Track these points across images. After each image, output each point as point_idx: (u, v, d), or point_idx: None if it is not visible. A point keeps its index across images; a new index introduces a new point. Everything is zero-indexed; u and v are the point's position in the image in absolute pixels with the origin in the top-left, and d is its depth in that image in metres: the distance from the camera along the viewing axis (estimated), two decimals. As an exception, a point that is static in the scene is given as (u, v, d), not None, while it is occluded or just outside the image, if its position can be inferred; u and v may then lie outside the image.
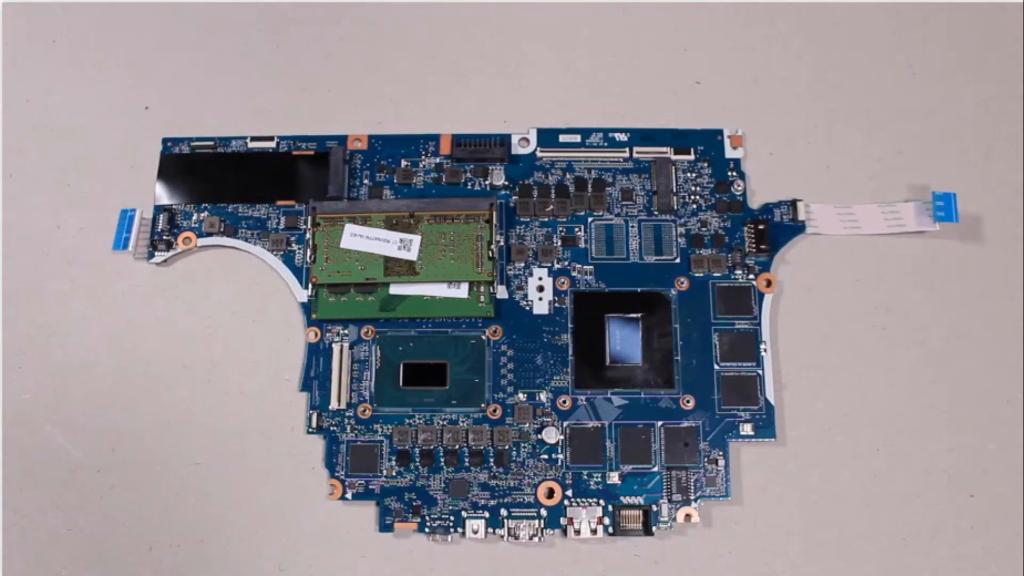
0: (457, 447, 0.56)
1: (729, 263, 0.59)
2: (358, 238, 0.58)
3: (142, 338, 0.59)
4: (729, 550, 0.55)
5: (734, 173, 0.61)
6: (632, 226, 0.60)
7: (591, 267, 0.59)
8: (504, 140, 0.61)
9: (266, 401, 0.57)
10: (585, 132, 0.62)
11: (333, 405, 0.56)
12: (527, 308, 0.58)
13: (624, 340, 0.57)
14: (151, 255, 0.60)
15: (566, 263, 0.59)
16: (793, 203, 0.60)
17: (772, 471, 0.56)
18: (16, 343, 0.59)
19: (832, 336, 0.58)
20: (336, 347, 0.57)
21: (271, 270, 0.59)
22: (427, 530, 0.55)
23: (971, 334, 0.58)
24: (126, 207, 0.59)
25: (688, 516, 0.54)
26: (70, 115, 0.64)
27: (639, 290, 0.58)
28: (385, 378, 0.57)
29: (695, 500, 0.55)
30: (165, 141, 0.62)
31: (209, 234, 0.60)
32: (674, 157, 0.61)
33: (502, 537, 0.55)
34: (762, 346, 0.57)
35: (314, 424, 0.57)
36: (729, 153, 0.61)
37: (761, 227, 0.59)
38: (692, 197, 0.60)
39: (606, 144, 0.61)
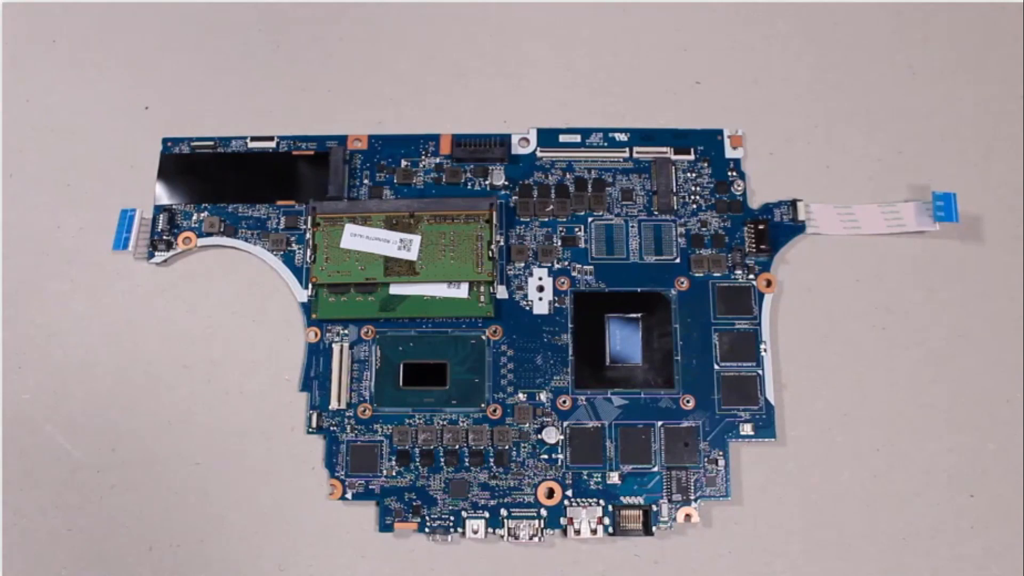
0: (457, 447, 0.56)
1: (729, 263, 0.59)
2: (358, 238, 0.58)
3: (142, 338, 0.59)
4: (729, 550, 0.55)
5: (734, 173, 0.61)
6: (632, 226, 0.60)
7: (591, 267, 0.59)
8: (504, 140, 0.61)
9: (266, 401, 0.57)
10: (585, 132, 0.62)
11: (333, 405, 0.56)
12: (527, 308, 0.58)
13: (624, 340, 0.57)
14: (151, 255, 0.60)
15: (566, 263, 0.59)
16: (793, 203, 0.60)
17: (772, 471, 0.56)
18: (16, 343, 0.59)
19: (832, 336, 0.58)
20: (336, 347, 0.57)
21: (271, 270, 0.59)
22: (427, 530, 0.55)
23: (971, 334, 0.58)
24: (126, 207, 0.59)
25: (688, 516, 0.54)
26: (70, 115, 0.64)
27: (639, 290, 0.58)
28: (385, 378, 0.57)
29: (695, 500, 0.55)
30: (165, 141, 0.62)
31: (209, 234, 0.60)
32: (674, 157, 0.61)
33: (502, 537, 0.55)
34: (762, 346, 0.57)
35: (314, 424, 0.57)
36: (729, 153, 0.61)
37: (761, 227, 0.59)
38: (692, 197, 0.60)
39: (606, 144, 0.61)
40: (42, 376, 0.58)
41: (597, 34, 0.65)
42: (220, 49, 0.65)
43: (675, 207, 0.60)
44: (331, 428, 0.56)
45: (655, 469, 0.55)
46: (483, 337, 0.58)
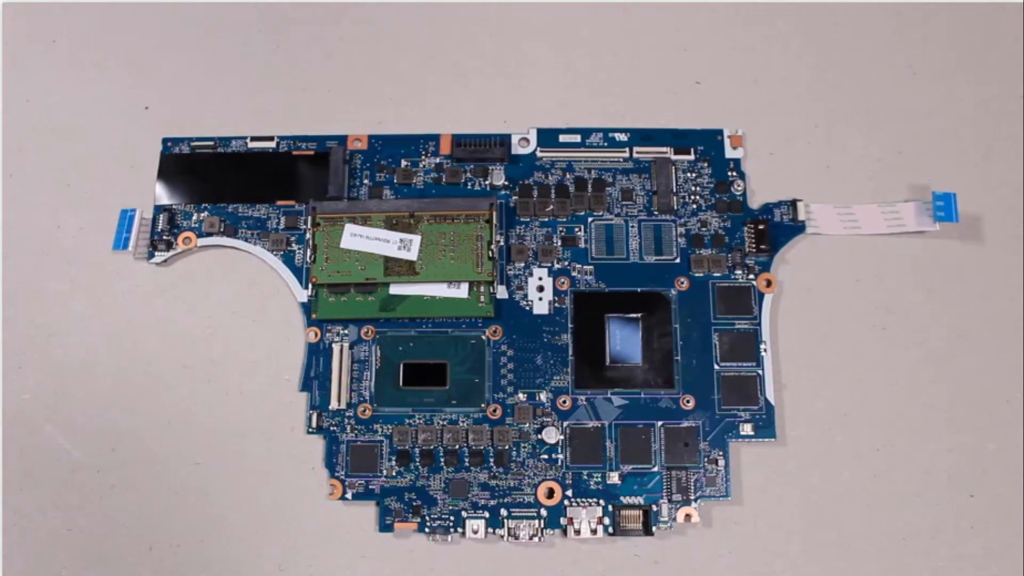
0: (457, 447, 0.56)
1: (729, 263, 0.59)
2: (358, 238, 0.58)
3: (142, 338, 0.59)
4: (729, 550, 0.55)
5: (734, 173, 0.61)
6: (632, 226, 0.60)
7: (591, 267, 0.59)
8: (504, 140, 0.61)
9: (266, 401, 0.57)
10: (585, 132, 0.62)
11: (333, 405, 0.56)
12: (527, 308, 0.58)
13: (624, 340, 0.57)
14: (151, 255, 0.60)
15: (566, 263, 0.59)
16: (793, 203, 0.60)
17: (772, 471, 0.56)
18: (16, 343, 0.59)
19: (832, 336, 0.58)
20: (336, 347, 0.57)
21: (271, 270, 0.59)
22: (427, 530, 0.55)
23: (971, 334, 0.58)
24: (126, 207, 0.59)
25: (688, 516, 0.54)
26: (70, 115, 0.64)
27: (639, 290, 0.58)
28: (385, 378, 0.57)
29: (695, 500, 0.55)
30: (165, 141, 0.62)
31: (209, 234, 0.60)
32: (674, 157, 0.61)
33: (502, 537, 0.55)
34: (762, 346, 0.57)
35: (314, 424, 0.57)
36: (729, 153, 0.61)
37: (761, 227, 0.59)
38: (692, 197, 0.60)
39: (606, 144, 0.61)
40: (42, 376, 0.58)
41: (597, 34, 0.65)
42: (220, 49, 0.65)
43: (675, 207, 0.60)
44: (331, 428, 0.56)
45: (655, 469, 0.55)
46: (483, 337, 0.58)
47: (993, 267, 0.59)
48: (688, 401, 0.56)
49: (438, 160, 0.61)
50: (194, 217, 0.60)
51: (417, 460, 0.56)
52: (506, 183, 0.61)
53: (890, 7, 0.65)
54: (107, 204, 0.61)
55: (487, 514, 0.55)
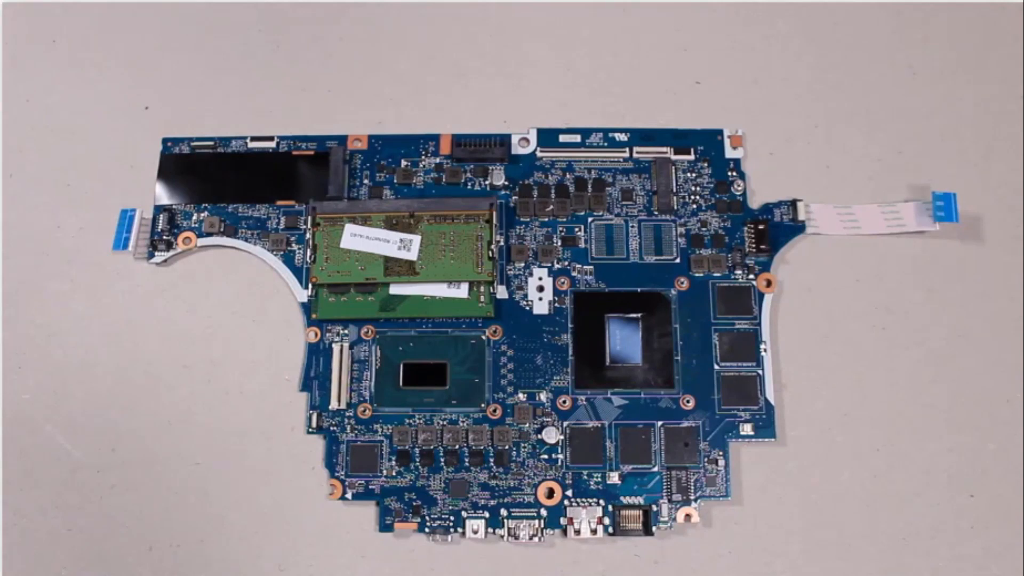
0: (457, 447, 0.56)
1: (729, 263, 0.59)
2: (358, 238, 0.58)
3: (142, 338, 0.59)
4: (729, 550, 0.55)
5: (734, 173, 0.61)
6: (632, 226, 0.60)
7: (591, 267, 0.59)
8: (504, 140, 0.61)
9: (266, 401, 0.57)
10: (585, 132, 0.62)
11: (333, 405, 0.56)
12: (527, 308, 0.58)
13: (624, 340, 0.57)
14: (151, 255, 0.60)
15: (566, 263, 0.59)
16: (793, 203, 0.60)
17: (772, 471, 0.56)
18: (16, 343, 0.59)
19: (832, 336, 0.58)
20: (336, 347, 0.57)
21: (271, 270, 0.59)
22: (427, 530, 0.55)
23: (971, 334, 0.58)
24: (126, 207, 0.59)
25: (688, 516, 0.54)
26: (70, 115, 0.64)
27: (639, 290, 0.58)
28: (385, 378, 0.57)
29: (695, 500, 0.55)
30: (165, 141, 0.62)
31: (209, 234, 0.60)
32: (674, 157, 0.61)
33: (502, 537, 0.55)
34: (762, 346, 0.57)
35: (314, 424, 0.57)
36: (729, 153, 0.61)
37: (761, 227, 0.59)
38: (692, 197, 0.60)
39: (606, 144, 0.61)
40: (42, 376, 0.58)
41: (597, 34, 0.65)
42: (220, 49, 0.65)
43: (675, 207, 0.60)
44: (331, 428, 0.56)
45: (655, 469, 0.55)
46: (483, 337, 0.58)
47: (993, 267, 0.59)
48: (688, 401, 0.56)
49: (438, 160, 0.61)
50: (194, 217, 0.60)
51: (417, 460, 0.56)
52: (506, 183, 0.61)
53: (890, 7, 0.65)
54: (107, 204, 0.61)
55: (487, 514, 0.55)
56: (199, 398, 0.58)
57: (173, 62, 0.65)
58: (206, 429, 0.57)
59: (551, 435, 0.56)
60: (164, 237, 0.60)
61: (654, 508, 0.55)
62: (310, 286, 0.58)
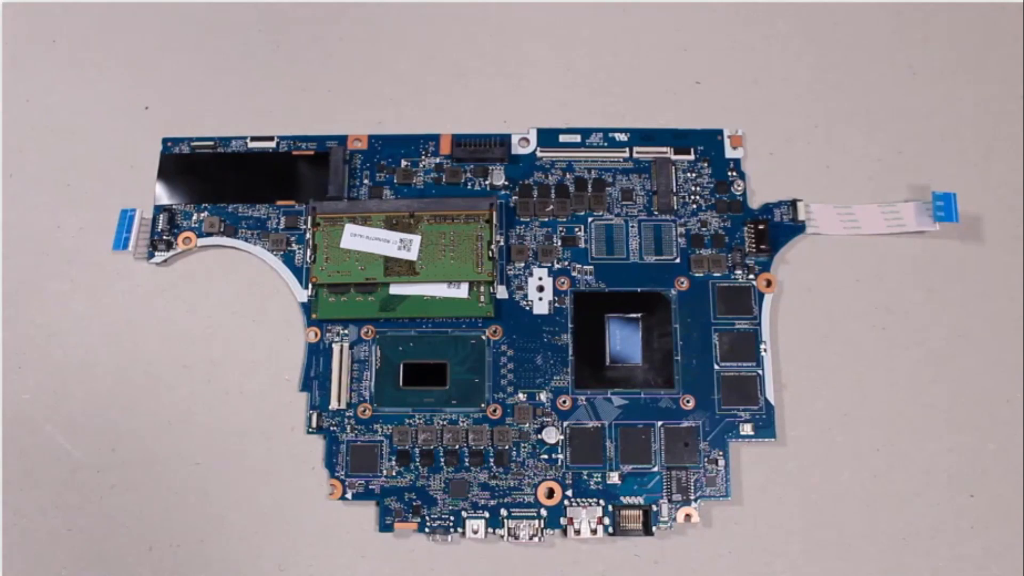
0: (457, 447, 0.56)
1: (729, 263, 0.59)
2: (358, 238, 0.58)
3: (142, 338, 0.59)
4: (729, 550, 0.55)
5: (734, 173, 0.61)
6: (632, 226, 0.60)
7: (591, 267, 0.59)
8: (504, 140, 0.61)
9: (266, 401, 0.57)
10: (585, 132, 0.62)
11: (333, 405, 0.56)
12: (527, 308, 0.58)
13: (624, 340, 0.57)
14: (151, 255, 0.60)
15: (566, 263, 0.59)
16: (793, 203, 0.60)
17: (772, 471, 0.56)
18: (16, 343, 0.59)
19: (832, 336, 0.58)
20: (336, 347, 0.57)
21: (271, 270, 0.60)
22: (427, 530, 0.55)
23: (971, 334, 0.58)
24: (126, 207, 0.59)
25: (688, 516, 0.54)
26: (70, 115, 0.64)
27: (639, 290, 0.58)
28: (385, 378, 0.57)
29: (695, 500, 0.55)
30: (165, 141, 0.62)
31: (209, 234, 0.60)
32: (674, 157, 0.61)
33: (502, 537, 0.55)
34: (762, 346, 0.57)
35: (314, 424, 0.57)
36: (729, 153, 0.61)
37: (761, 227, 0.59)
38: (692, 197, 0.60)
39: (606, 144, 0.61)
40: (42, 376, 0.58)
41: (597, 34, 0.65)
42: (220, 49, 0.65)
43: (675, 207, 0.60)
44: (331, 428, 0.56)
45: (655, 469, 0.55)
46: (483, 337, 0.58)
47: (993, 267, 0.59)
48: (688, 401, 0.56)
49: (438, 160, 0.61)
50: (194, 217, 0.60)
51: (417, 460, 0.56)
52: (506, 183, 0.61)
53: (890, 7, 0.65)
54: (107, 204, 0.61)
55: (487, 514, 0.55)
56: (199, 398, 0.58)
57: (173, 62, 0.65)
58: (206, 429, 0.57)
59: (551, 435, 0.56)
60: (164, 237, 0.60)
61: (654, 508, 0.55)
62: (310, 286, 0.58)
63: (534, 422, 0.56)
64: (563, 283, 0.58)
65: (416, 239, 0.58)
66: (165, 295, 0.60)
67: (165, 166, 0.61)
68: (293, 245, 0.60)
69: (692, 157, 0.61)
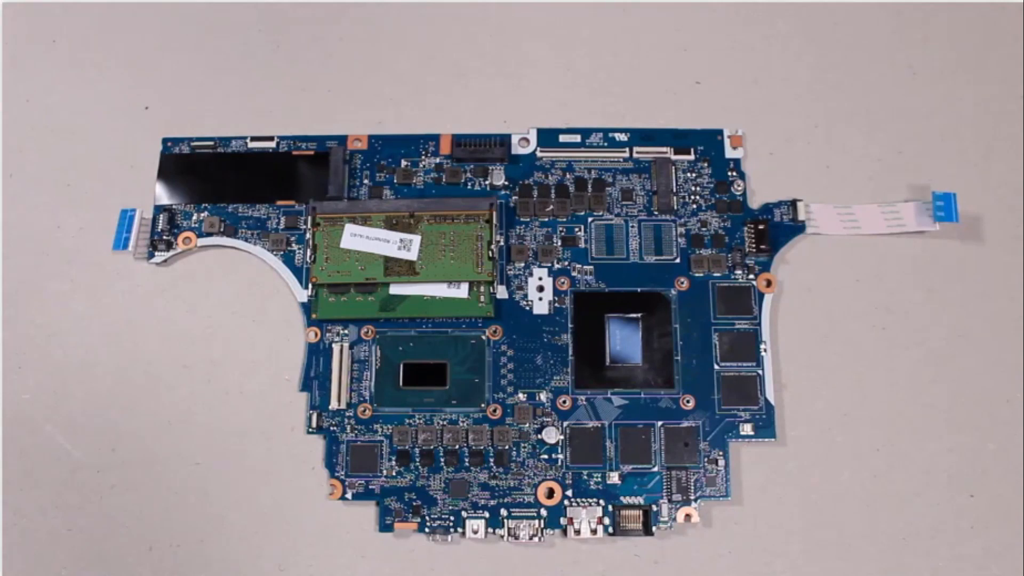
0: (457, 447, 0.56)
1: (729, 263, 0.59)
2: (358, 238, 0.58)
3: (142, 338, 0.59)
4: (729, 550, 0.55)
5: (734, 173, 0.61)
6: (632, 226, 0.60)
7: (591, 267, 0.59)
8: (504, 140, 0.61)
9: (266, 401, 0.57)
10: (585, 132, 0.62)
11: (333, 405, 0.56)
12: (527, 308, 0.58)
13: (624, 340, 0.57)
14: (151, 255, 0.60)
15: (566, 263, 0.59)
16: (793, 203, 0.60)
17: (772, 471, 0.56)
18: (16, 343, 0.59)
19: (832, 336, 0.58)
20: (336, 347, 0.57)
21: (271, 270, 0.60)
22: (427, 530, 0.55)
23: (971, 334, 0.58)
24: (126, 207, 0.59)
25: (688, 516, 0.54)
26: (70, 115, 0.64)
27: (639, 290, 0.58)
28: (385, 378, 0.57)
29: (695, 500, 0.55)
30: (165, 141, 0.62)
31: (209, 234, 0.60)
32: (674, 157, 0.61)
33: (502, 537, 0.55)
34: (762, 346, 0.57)
35: (314, 424, 0.57)
36: (729, 153, 0.61)
37: (761, 227, 0.59)
38: (692, 197, 0.60)
39: (606, 144, 0.61)
40: (42, 376, 0.58)
41: (597, 34, 0.65)
42: (220, 49, 0.65)
43: (675, 207, 0.60)
44: (331, 428, 0.56)
45: (655, 469, 0.55)
46: (483, 337, 0.58)
47: (993, 267, 0.59)
48: (688, 401, 0.56)
49: (438, 160, 0.61)
50: (194, 217, 0.60)
51: (417, 460, 0.56)
52: (506, 183, 0.61)
53: (890, 7, 0.65)
54: (107, 204, 0.61)
55: (487, 514, 0.55)
56: (199, 398, 0.58)
57: (173, 62, 0.65)
58: (206, 429, 0.57)
59: (551, 435, 0.56)
60: (164, 237, 0.60)
61: (654, 508, 0.55)
62: (310, 286, 0.58)
63: (534, 422, 0.56)
64: (563, 283, 0.58)
65: (416, 239, 0.58)
66: (165, 295, 0.60)
67: (165, 166, 0.61)
68: (293, 245, 0.60)
69: (692, 157, 0.61)
